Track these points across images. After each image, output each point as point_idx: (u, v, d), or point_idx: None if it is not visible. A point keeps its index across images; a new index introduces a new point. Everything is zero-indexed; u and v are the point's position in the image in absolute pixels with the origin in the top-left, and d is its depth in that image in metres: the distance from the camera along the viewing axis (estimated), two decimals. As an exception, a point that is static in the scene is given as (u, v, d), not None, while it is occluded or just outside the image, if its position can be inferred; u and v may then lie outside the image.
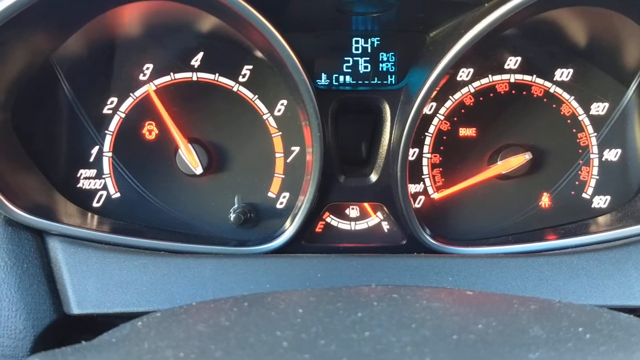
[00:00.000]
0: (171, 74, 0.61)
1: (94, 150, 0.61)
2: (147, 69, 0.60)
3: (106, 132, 0.61)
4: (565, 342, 0.34)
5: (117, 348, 0.35)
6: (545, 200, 0.65)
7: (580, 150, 0.64)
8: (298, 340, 0.32)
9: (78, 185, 0.61)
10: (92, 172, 0.61)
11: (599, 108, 0.63)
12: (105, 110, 0.60)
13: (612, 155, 0.64)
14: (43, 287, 0.53)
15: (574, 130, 0.64)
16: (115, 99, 0.60)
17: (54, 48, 0.55)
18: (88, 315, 0.52)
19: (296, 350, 0.31)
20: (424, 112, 0.64)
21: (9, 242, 0.53)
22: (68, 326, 0.52)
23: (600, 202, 0.64)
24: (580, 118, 0.64)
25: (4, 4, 0.45)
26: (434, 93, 0.58)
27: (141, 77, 0.61)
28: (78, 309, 0.52)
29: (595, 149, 0.64)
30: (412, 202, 0.63)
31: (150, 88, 0.61)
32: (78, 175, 0.61)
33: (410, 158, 0.65)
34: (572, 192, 0.65)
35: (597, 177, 0.65)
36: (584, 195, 0.65)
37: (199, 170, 0.61)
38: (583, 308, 0.42)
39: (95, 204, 0.62)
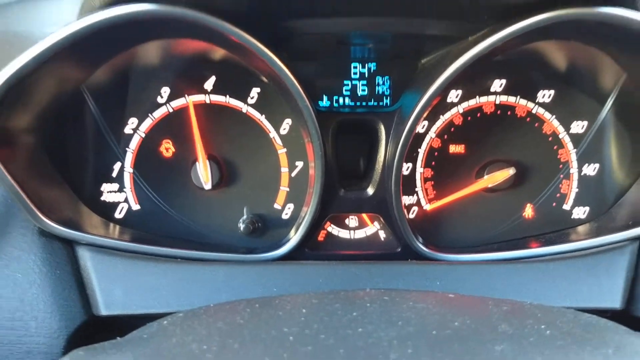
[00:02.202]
0: (186, 96, 0.66)
1: (117, 167, 0.66)
2: (165, 92, 0.66)
3: (127, 149, 0.66)
4: (527, 337, 0.39)
5: (148, 343, 0.41)
6: (528, 212, 0.70)
7: (560, 165, 0.69)
8: (302, 335, 0.38)
9: (102, 199, 0.66)
10: (115, 186, 0.67)
11: (577, 126, 0.68)
12: (127, 130, 0.66)
13: (590, 169, 0.69)
14: (74, 291, 0.59)
15: (555, 147, 0.69)
16: (136, 120, 0.66)
17: (85, 79, 0.60)
18: (114, 316, 0.58)
19: (300, 344, 0.36)
20: (417, 131, 0.69)
21: (43, 251, 0.59)
22: (95, 326, 0.58)
23: (580, 213, 0.69)
24: (560, 136, 0.68)
25: (43, 45, 0.50)
26: (425, 114, 0.64)
27: (159, 100, 0.66)
28: (106, 310, 0.58)
29: (574, 164, 0.69)
30: (405, 212, 0.68)
31: (164, 113, 0.67)
32: (102, 189, 0.66)
33: (404, 173, 0.70)
34: (554, 204, 0.70)
35: (577, 190, 0.69)
36: (564, 206, 0.70)
37: (210, 184, 0.66)
38: (550, 309, 0.47)
39: (117, 215, 0.67)
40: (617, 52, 0.59)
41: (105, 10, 0.49)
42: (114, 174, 0.67)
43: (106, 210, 0.66)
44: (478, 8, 0.53)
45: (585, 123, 0.68)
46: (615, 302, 0.60)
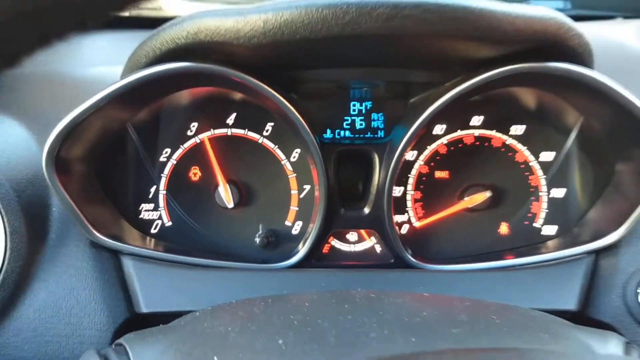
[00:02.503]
0: (211, 129, 0.77)
1: (153, 189, 0.77)
2: (193, 126, 0.77)
3: (162, 175, 0.77)
4: (479, 324, 0.49)
5: (186, 327, 0.51)
6: (503, 229, 0.79)
7: (532, 189, 0.78)
8: (304, 320, 0.48)
9: (140, 216, 0.77)
10: (151, 206, 0.77)
11: (546, 156, 0.77)
12: (162, 159, 0.76)
13: (558, 193, 0.77)
14: (119, 292, 0.69)
15: (527, 173, 0.78)
16: (169, 150, 0.77)
17: (130, 118, 0.71)
18: (152, 313, 0.69)
19: (303, 326, 0.47)
20: (406, 159, 0.80)
21: (94, 260, 0.69)
22: (136, 322, 0.69)
23: (549, 230, 0.78)
24: (531, 163, 0.77)
25: (101, 94, 0.61)
26: (412, 144, 0.75)
27: (188, 133, 0.77)
28: (145, 308, 0.68)
29: (544, 188, 0.78)
30: (397, 229, 0.78)
31: (192, 144, 0.79)
32: (140, 208, 0.76)
33: (397, 195, 0.81)
34: (526, 222, 0.78)
35: (546, 210, 0.78)
36: (535, 224, 0.78)
37: (231, 204, 0.77)
38: (505, 305, 0.57)
39: (152, 231, 0.77)
40: (572, 99, 0.70)
41: (152, 68, 0.62)
42: (150, 196, 0.77)
43: (144, 226, 0.77)
44: (449, 62, 0.64)
45: (553, 153, 0.77)
46: (571, 304, 0.69)
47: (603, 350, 0.49)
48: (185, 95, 0.73)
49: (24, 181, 0.69)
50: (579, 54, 0.61)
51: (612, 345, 0.51)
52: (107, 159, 0.74)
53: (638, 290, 0.68)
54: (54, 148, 0.62)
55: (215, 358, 0.43)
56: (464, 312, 0.51)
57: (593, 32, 0.73)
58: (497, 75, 0.62)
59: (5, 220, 0.66)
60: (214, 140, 0.78)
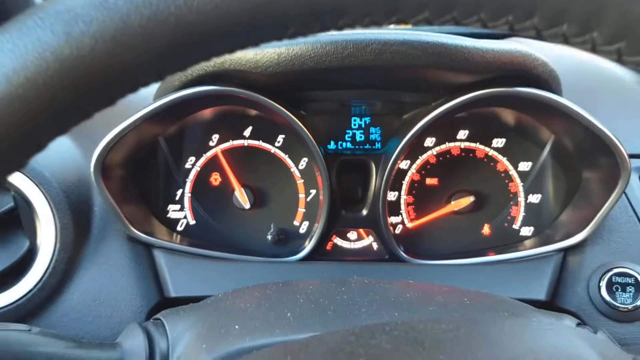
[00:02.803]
0: (230, 141, 0.87)
1: (179, 192, 0.87)
2: (215, 138, 0.89)
3: (187, 180, 0.87)
4: (452, 304, 0.60)
5: (211, 304, 0.62)
6: (486, 229, 0.88)
7: (511, 195, 0.87)
8: (308, 299, 0.58)
9: (168, 215, 0.87)
10: (177, 206, 0.88)
11: (524, 166, 0.87)
12: (187, 166, 0.87)
13: (534, 199, 0.87)
14: (152, 280, 0.79)
15: (507, 181, 0.87)
16: (193, 158, 0.87)
17: (161, 132, 0.82)
18: (179, 297, 0.81)
19: (307, 303, 0.58)
20: (401, 168, 0.90)
21: (130, 252, 0.80)
22: (166, 305, 0.80)
23: (526, 231, 0.87)
24: (510, 172, 0.87)
25: (139, 114, 0.72)
26: (404, 155, 0.85)
27: (210, 144, 0.89)
28: (174, 293, 0.78)
29: (522, 195, 0.87)
30: (391, 229, 0.88)
31: (213, 153, 0.90)
32: (168, 209, 0.87)
33: (392, 199, 0.91)
34: (506, 224, 0.88)
35: (524, 214, 0.87)
36: (514, 226, 0.88)
37: (247, 206, 0.87)
38: (479, 292, 0.67)
39: (179, 228, 0.88)
40: (543, 119, 0.81)
41: (184, 91, 0.74)
42: (177, 198, 0.88)
43: (171, 224, 0.87)
44: (434, 86, 0.75)
45: (530, 163, 0.87)
46: (541, 295, 0.79)
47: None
48: (208, 112, 0.84)
49: (71, 185, 0.81)
50: (545, 79, 0.72)
51: (567, 321, 0.61)
52: (141, 165, 0.85)
53: (600, 284, 0.79)
54: (102, 156, 0.74)
55: (236, 326, 0.54)
56: (441, 295, 0.62)
57: (567, 54, 0.83)
58: (473, 98, 0.73)
59: (56, 217, 0.78)
60: (232, 150, 0.88)
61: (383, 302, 0.58)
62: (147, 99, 0.79)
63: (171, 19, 0.25)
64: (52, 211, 0.77)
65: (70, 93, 0.26)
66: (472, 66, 0.67)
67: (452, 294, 0.63)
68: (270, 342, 0.52)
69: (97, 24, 0.25)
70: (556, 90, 0.75)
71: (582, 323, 0.62)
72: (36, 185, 0.77)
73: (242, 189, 0.87)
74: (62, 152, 0.82)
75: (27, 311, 0.76)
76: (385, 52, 0.64)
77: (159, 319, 0.59)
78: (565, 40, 0.28)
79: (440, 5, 0.27)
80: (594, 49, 0.28)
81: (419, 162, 0.88)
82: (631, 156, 0.80)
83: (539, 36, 0.29)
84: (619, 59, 0.28)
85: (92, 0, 0.25)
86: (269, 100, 0.76)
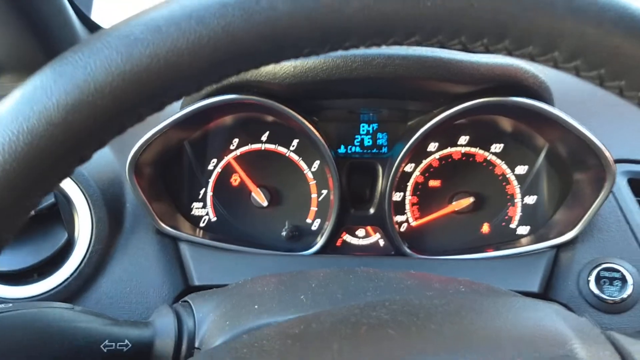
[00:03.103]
0: (249, 144, 0.95)
1: (202, 191, 0.94)
2: (235, 142, 0.96)
3: (209, 180, 0.94)
4: (448, 290, 0.66)
5: (233, 289, 0.69)
6: (485, 228, 0.94)
7: (508, 197, 0.93)
8: (319, 285, 0.65)
9: (192, 213, 0.94)
10: (200, 204, 0.95)
11: (520, 169, 0.93)
12: (209, 167, 0.94)
13: (530, 200, 0.93)
14: (177, 270, 0.86)
15: (504, 184, 0.93)
16: (215, 160, 0.95)
17: (187, 137, 0.89)
18: (202, 285, 0.88)
19: (318, 288, 0.65)
20: (406, 170, 0.97)
21: (158, 244, 0.86)
22: (189, 292, 0.88)
23: (522, 230, 0.93)
24: (508, 176, 0.93)
25: (167, 121, 0.79)
26: (408, 159, 0.92)
27: (231, 147, 0.96)
28: (198, 282, 0.85)
29: (518, 196, 0.93)
30: (397, 227, 0.96)
31: (233, 156, 0.97)
32: (192, 206, 0.94)
33: (397, 199, 0.98)
34: (503, 224, 0.94)
35: (520, 214, 0.93)
36: (511, 225, 0.94)
37: (265, 204, 0.95)
38: (473, 281, 0.74)
39: (201, 224, 0.95)
40: (537, 127, 0.88)
41: (209, 99, 0.82)
42: (200, 196, 0.95)
43: (195, 220, 0.94)
44: (434, 95, 0.83)
45: (527, 167, 0.93)
46: (535, 287, 0.84)
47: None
48: (228, 119, 0.92)
49: (106, 183, 0.89)
50: (535, 90, 0.79)
51: (553, 307, 0.68)
52: (169, 166, 0.93)
53: (589, 278, 0.85)
54: (135, 158, 0.82)
55: (255, 306, 0.61)
56: (439, 282, 0.69)
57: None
58: (469, 107, 0.80)
59: (93, 212, 0.86)
60: (250, 153, 0.95)
61: (386, 287, 0.65)
62: (174, 107, 0.87)
63: (211, 42, 0.33)
64: (89, 206, 0.85)
65: (130, 100, 0.32)
66: (467, 77, 0.75)
67: (448, 282, 0.70)
68: (285, 319, 0.59)
69: (152, 46, 0.32)
70: (547, 99, 0.82)
71: (569, 309, 0.68)
72: (75, 183, 0.85)
73: (259, 189, 0.94)
74: (98, 155, 0.90)
75: (65, 297, 0.84)
76: (389, 65, 0.72)
77: (187, 301, 0.66)
78: (532, 58, 0.35)
79: (428, 31, 0.34)
80: (556, 66, 0.35)
81: (422, 165, 0.95)
82: (619, 161, 0.87)
83: (510, 55, 0.36)
84: (577, 74, 0.35)
85: (148, 26, 0.33)
86: (285, 108, 0.84)
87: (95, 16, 1.15)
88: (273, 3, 0.32)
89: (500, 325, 0.46)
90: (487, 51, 0.35)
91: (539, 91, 0.80)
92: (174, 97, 0.35)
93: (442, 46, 0.35)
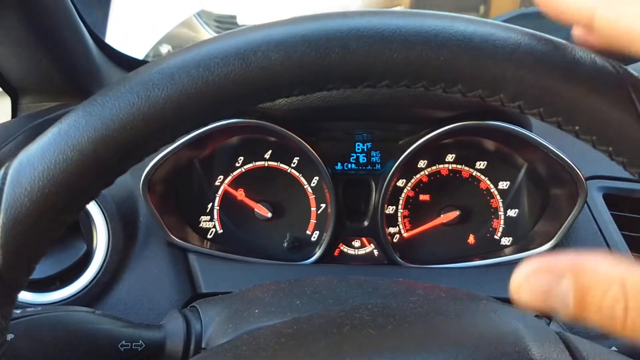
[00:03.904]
0: (253, 162, 1.02)
1: (209, 205, 1.01)
2: (240, 159, 1.05)
3: (216, 195, 1.02)
4: (430, 295, 0.73)
5: (236, 295, 0.75)
6: (471, 239, 1.01)
7: (492, 210, 1.00)
8: (314, 291, 0.72)
9: (200, 225, 1.01)
10: (208, 217, 1.02)
11: (503, 185, 1.00)
12: (217, 183, 1.01)
13: (512, 213, 1.00)
14: (186, 278, 0.92)
15: (488, 198, 1.00)
16: (222, 176, 1.02)
17: (196, 156, 0.96)
18: (209, 293, 0.96)
19: (313, 294, 0.72)
20: (398, 185, 1.05)
21: (169, 255, 0.93)
22: (197, 299, 0.96)
23: (506, 241, 0.99)
24: (492, 190, 1.00)
25: (177, 142, 0.89)
26: (398, 175, 1.00)
27: (236, 164, 1.04)
28: (205, 289, 0.92)
29: (502, 209, 1.00)
30: (390, 238, 1.04)
31: (239, 172, 1.06)
32: (200, 219, 1.02)
33: (390, 212, 1.05)
34: (488, 235, 1.00)
35: (503, 226, 1.00)
36: (495, 236, 1.00)
37: (269, 215, 1.00)
38: (454, 288, 0.81)
39: (209, 236, 1.02)
40: (514, 148, 0.95)
41: (216, 123, 0.90)
42: (207, 210, 1.01)
43: (203, 232, 1.01)
44: (420, 119, 0.91)
45: (508, 183, 1.00)
46: None
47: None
48: (235, 139, 0.99)
49: (121, 198, 0.97)
50: (511, 114, 0.87)
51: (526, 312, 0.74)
52: (179, 182, 1.00)
53: (566, 286, 0.92)
54: (148, 176, 0.90)
55: (256, 310, 0.69)
56: (422, 289, 0.76)
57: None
58: (451, 129, 0.88)
59: (109, 225, 0.94)
60: (254, 169, 1.02)
61: (373, 293, 0.72)
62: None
63: (215, 87, 0.40)
64: (106, 221, 0.93)
65: (147, 135, 0.40)
66: (446, 104, 0.83)
67: (432, 289, 0.77)
68: (283, 321, 0.67)
69: (167, 90, 0.40)
70: (524, 122, 0.90)
71: (539, 315, 0.75)
72: (94, 199, 0.93)
73: (260, 204, 1.01)
74: (114, 172, 0.99)
75: (84, 302, 0.91)
76: (377, 94, 0.80)
77: (195, 307, 0.73)
78: (482, 99, 0.42)
79: (395, 77, 0.42)
80: (502, 105, 0.42)
81: (413, 180, 1.02)
82: (595, 177, 0.94)
83: (464, 96, 0.43)
84: (521, 111, 0.42)
85: (164, 74, 0.40)
86: (285, 130, 0.92)
87: (110, 37, 1.24)
88: (267, 54, 0.39)
89: (464, 325, 0.54)
90: (445, 92, 0.43)
91: (514, 115, 0.87)
92: (183, 132, 0.43)
93: (408, 87, 0.43)
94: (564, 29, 0.40)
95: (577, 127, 0.39)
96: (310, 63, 0.39)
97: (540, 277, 0.29)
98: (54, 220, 0.37)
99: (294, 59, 0.39)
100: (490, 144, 0.99)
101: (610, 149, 0.38)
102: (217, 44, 0.40)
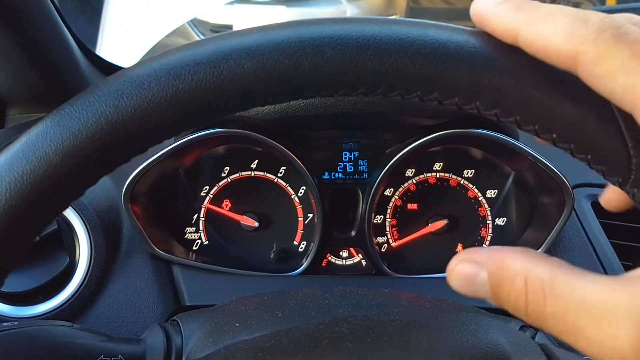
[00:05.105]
0: (239, 172, 1.01)
1: (195, 216, 1.00)
2: (226, 170, 1.04)
3: (202, 206, 1.01)
4: (414, 306, 0.72)
5: (217, 309, 0.73)
6: (459, 248, 1.01)
7: (480, 218, 0.99)
8: (297, 303, 0.71)
9: (185, 237, 1.00)
10: (193, 229, 1.01)
11: (491, 193, 0.99)
12: (202, 194, 1.00)
13: (500, 221, 0.99)
14: (170, 291, 0.91)
15: (476, 206, 0.99)
16: (207, 187, 1.02)
17: (181, 165, 0.95)
18: (193, 305, 0.94)
19: (295, 306, 0.70)
20: (386, 194, 1.04)
21: (153, 267, 0.92)
22: (181, 311, 0.94)
23: None
24: (480, 199, 1.00)
25: (162, 150, 0.89)
26: (385, 184, 0.99)
27: (222, 174, 1.03)
28: (189, 302, 0.91)
29: (490, 218, 0.99)
30: (377, 248, 1.03)
31: (225, 183, 1.06)
32: (185, 230, 1.01)
33: (378, 221, 1.04)
34: (476, 244, 0.99)
35: (491, 235, 0.99)
36: (483, 245, 1.00)
37: (256, 225, 0.98)
38: (440, 298, 0.80)
39: (194, 248, 1.00)
40: (500, 156, 0.95)
41: (201, 132, 0.89)
42: (193, 221, 1.00)
43: (188, 244, 1.00)
44: (407, 127, 0.90)
45: (496, 191, 0.99)
46: None
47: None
48: (221, 148, 0.98)
49: (104, 210, 0.95)
50: (495, 123, 0.86)
51: (511, 324, 0.73)
52: (163, 193, 0.99)
53: (555, 295, 0.91)
54: (130, 187, 0.89)
55: (236, 324, 0.67)
56: (406, 300, 0.75)
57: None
58: (436, 137, 0.87)
59: (92, 237, 0.92)
60: (241, 179, 1.01)
61: (357, 305, 0.71)
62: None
63: (186, 95, 0.39)
64: (88, 232, 0.92)
65: (116, 145, 0.39)
66: (429, 112, 0.82)
67: (416, 299, 0.76)
68: (263, 334, 0.65)
69: (135, 99, 0.39)
70: (510, 131, 0.89)
71: (525, 326, 0.74)
72: (76, 210, 0.92)
73: (246, 214, 1.00)
74: (98, 183, 0.98)
75: (66, 316, 0.89)
76: (359, 102, 0.80)
77: (175, 320, 0.72)
78: (458, 107, 0.42)
79: (369, 86, 0.41)
80: (479, 113, 0.42)
81: (401, 189, 1.02)
82: (583, 185, 0.94)
83: (441, 105, 0.42)
84: (498, 119, 0.42)
85: (133, 83, 0.39)
86: (270, 140, 0.91)
87: (103, 45, 1.22)
88: (240, 62, 0.39)
89: (444, 337, 0.52)
90: (421, 101, 0.42)
91: (498, 124, 0.86)
92: (154, 141, 0.41)
93: (384, 96, 0.42)
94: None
95: (554, 135, 0.38)
96: (283, 71, 0.38)
97: (466, 267, 0.34)
98: (23, 232, 0.36)
99: (267, 67, 0.38)
100: (477, 153, 0.98)
101: (589, 157, 0.38)
102: (189, 51, 0.39)
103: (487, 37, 0.38)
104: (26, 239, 0.37)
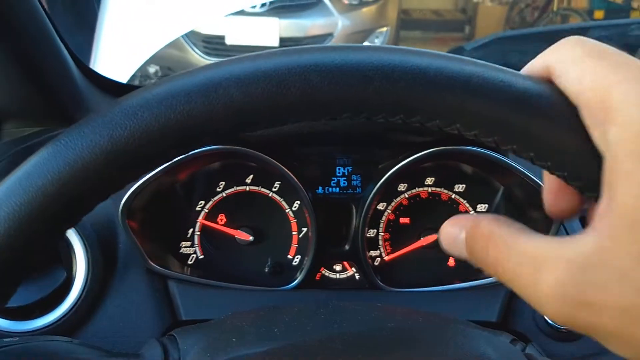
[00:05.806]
0: (234, 186, 1.03)
1: (190, 231, 1.01)
2: (221, 184, 1.05)
3: (197, 220, 1.03)
4: (407, 321, 0.74)
5: (214, 324, 0.76)
6: (451, 262, 1.02)
7: None
8: (292, 318, 0.74)
9: (180, 251, 1.01)
10: (189, 243, 1.02)
11: (481, 207, 1.01)
12: (197, 208, 1.01)
13: None
14: (166, 305, 0.93)
15: None
16: (203, 202, 1.04)
17: (177, 181, 0.97)
18: (189, 320, 0.95)
19: (291, 321, 0.72)
20: (379, 209, 1.07)
21: (149, 282, 0.93)
22: (177, 326, 0.95)
23: None
24: (471, 213, 1.02)
25: (153, 171, 0.90)
26: (378, 198, 1.00)
27: (217, 189, 1.05)
28: (185, 317, 0.92)
29: None
30: (370, 262, 1.04)
31: (220, 197, 1.07)
32: (181, 245, 1.02)
33: (371, 235, 1.06)
34: None
35: None
36: None
37: (251, 238, 1.00)
38: (434, 312, 0.82)
39: (189, 262, 1.01)
40: (490, 172, 0.97)
41: (196, 150, 0.91)
42: (188, 236, 1.01)
43: (183, 258, 1.01)
44: (398, 144, 0.92)
45: (486, 205, 1.01)
46: (492, 317, 0.93)
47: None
48: (216, 164, 1.00)
49: (101, 226, 0.97)
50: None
51: (502, 337, 0.75)
52: (159, 208, 1.01)
53: (545, 308, 0.93)
54: (128, 203, 0.90)
55: (233, 339, 0.69)
56: (400, 314, 0.76)
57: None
58: (427, 154, 0.90)
59: (89, 253, 0.94)
60: (236, 194, 1.03)
61: (352, 320, 0.72)
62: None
63: (177, 124, 0.41)
64: (86, 248, 0.93)
65: (111, 171, 0.41)
66: (417, 129, 0.84)
67: (410, 314, 0.78)
68: (259, 350, 0.66)
69: (129, 129, 0.40)
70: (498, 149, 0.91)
71: (516, 339, 0.76)
72: (73, 226, 0.93)
73: (241, 229, 1.01)
74: (94, 198, 0.99)
75: (64, 331, 0.91)
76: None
77: (173, 335, 0.74)
78: (440, 129, 0.43)
79: (353, 110, 0.43)
80: (460, 134, 0.43)
81: (393, 203, 1.03)
82: (571, 199, 0.95)
83: (424, 128, 0.44)
84: (478, 139, 0.43)
85: (126, 114, 0.41)
86: (265, 156, 0.93)
87: (98, 58, 1.24)
88: (229, 91, 0.40)
89: (434, 352, 0.54)
90: (404, 124, 0.44)
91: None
92: (148, 169, 0.43)
93: (368, 119, 0.44)
94: (534, 53, 0.42)
95: (531, 154, 0.40)
96: (271, 98, 0.40)
97: (450, 229, 0.41)
98: (19, 259, 0.38)
99: (255, 95, 0.40)
100: (468, 168, 1.01)
101: (566, 174, 0.40)
102: (180, 81, 0.41)
103: (465, 62, 0.40)
104: (21, 268, 0.39)
